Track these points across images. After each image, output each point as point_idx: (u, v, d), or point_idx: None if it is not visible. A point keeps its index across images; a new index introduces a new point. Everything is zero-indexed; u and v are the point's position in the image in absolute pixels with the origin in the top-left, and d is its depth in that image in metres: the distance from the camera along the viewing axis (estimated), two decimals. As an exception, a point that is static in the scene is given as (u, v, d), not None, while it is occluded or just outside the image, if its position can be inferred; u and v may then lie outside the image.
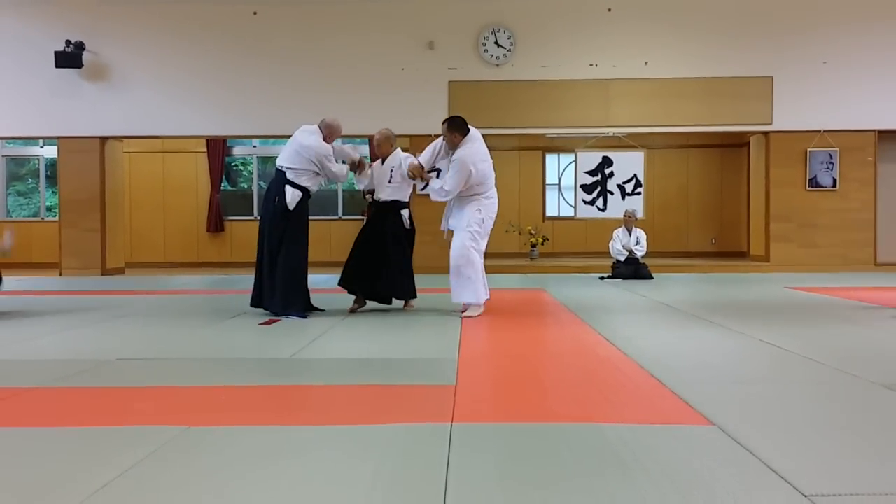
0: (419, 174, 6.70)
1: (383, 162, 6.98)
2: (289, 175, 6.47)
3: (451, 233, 6.79)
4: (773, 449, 2.63)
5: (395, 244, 6.88)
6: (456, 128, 6.53)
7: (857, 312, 6.56)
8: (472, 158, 6.43)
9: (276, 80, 12.93)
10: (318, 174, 6.58)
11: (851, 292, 8.53)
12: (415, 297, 7.06)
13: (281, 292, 6.42)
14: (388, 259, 6.80)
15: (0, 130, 13.55)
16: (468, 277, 6.44)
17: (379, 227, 6.89)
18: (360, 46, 12.95)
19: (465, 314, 6.46)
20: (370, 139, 15.00)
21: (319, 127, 6.58)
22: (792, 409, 3.31)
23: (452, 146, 6.53)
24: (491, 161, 6.69)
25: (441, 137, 6.68)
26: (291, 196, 6.40)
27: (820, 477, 2.36)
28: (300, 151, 6.48)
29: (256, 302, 6.67)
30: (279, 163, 6.58)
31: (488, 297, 6.71)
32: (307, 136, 6.51)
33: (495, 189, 6.74)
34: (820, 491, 2.23)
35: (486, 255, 6.78)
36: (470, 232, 6.50)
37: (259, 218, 6.53)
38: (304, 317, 6.40)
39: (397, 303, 7.12)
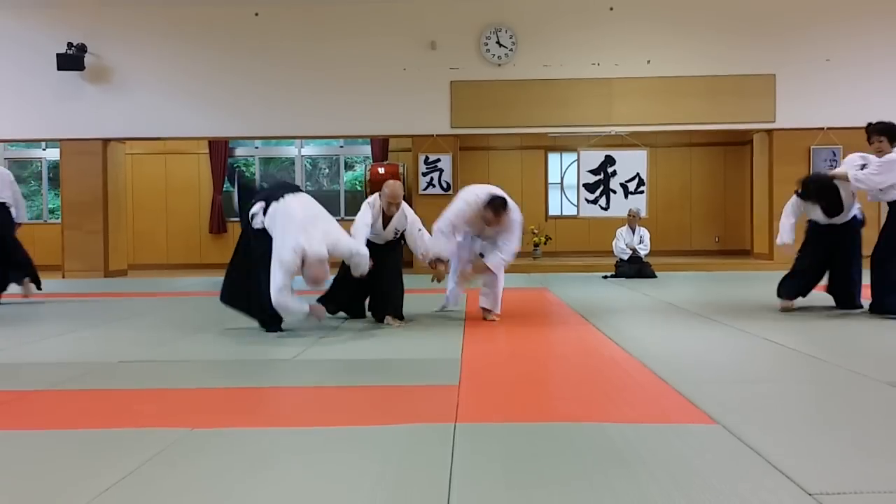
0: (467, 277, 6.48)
1: (385, 224, 6.19)
2: None
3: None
4: (778, 447, 2.62)
5: (395, 260, 6.39)
6: (507, 209, 6.16)
7: (861, 310, 6.54)
8: (518, 219, 6.30)
9: (278, 81, 12.93)
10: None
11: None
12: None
13: None
14: (390, 274, 6.25)
15: (2, 133, 13.58)
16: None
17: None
18: (362, 47, 12.95)
19: (491, 317, 6.28)
20: (372, 141, 15.09)
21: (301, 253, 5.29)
22: (796, 408, 3.30)
23: (499, 224, 6.16)
24: None
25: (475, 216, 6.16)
26: None
27: (824, 475, 2.36)
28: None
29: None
30: None
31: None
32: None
33: None
34: (824, 489, 2.22)
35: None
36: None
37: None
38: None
39: None
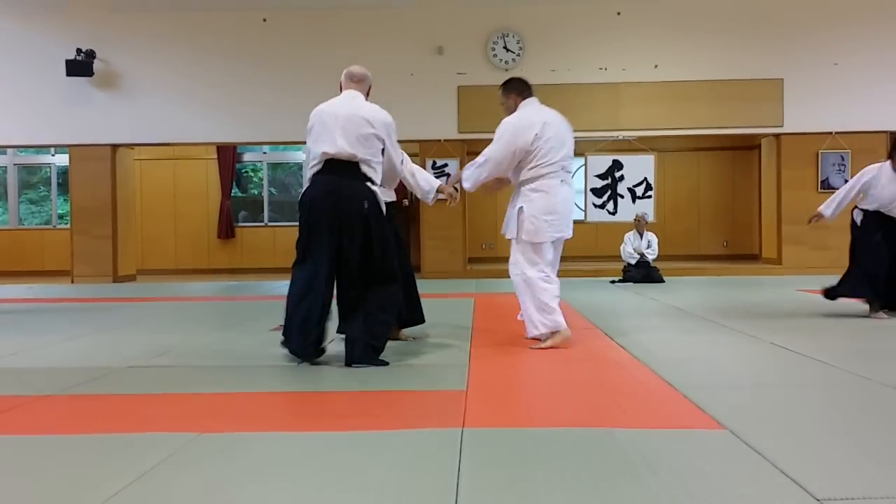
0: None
1: None
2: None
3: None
4: (786, 453, 2.62)
5: (405, 255, 5.69)
6: (511, 89, 5.35)
7: (870, 315, 6.52)
8: (521, 123, 5.13)
9: (286, 86, 12.96)
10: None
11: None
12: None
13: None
14: (407, 275, 5.47)
15: (12, 139, 13.65)
16: (536, 301, 5.05)
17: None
18: (369, 53, 12.94)
19: (539, 345, 5.07)
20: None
21: None
22: (804, 413, 3.29)
23: (510, 113, 5.29)
24: (555, 127, 5.28)
25: None
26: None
27: (832, 481, 2.35)
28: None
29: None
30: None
31: (558, 326, 5.07)
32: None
33: (557, 178, 5.12)
34: (832, 495, 2.21)
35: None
36: (515, 241, 5.15)
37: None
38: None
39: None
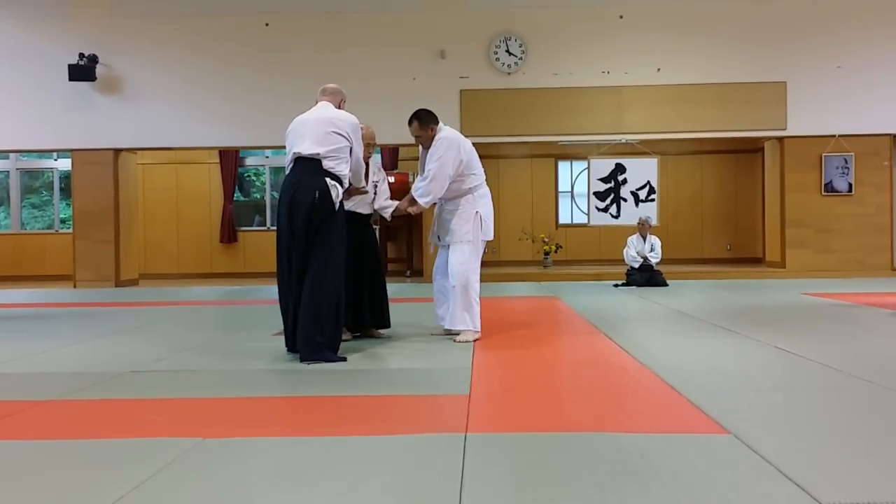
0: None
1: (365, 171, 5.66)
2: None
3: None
4: (790, 457, 2.60)
5: (376, 261, 6.01)
6: (430, 120, 5.65)
7: (874, 318, 6.51)
8: (456, 137, 5.64)
9: (288, 90, 12.93)
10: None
11: (868, 298, 8.46)
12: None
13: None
14: (374, 279, 5.88)
15: (14, 143, 13.66)
16: (471, 301, 5.55)
17: (357, 243, 5.72)
18: (372, 57, 12.99)
19: (458, 339, 5.54)
20: (381, 149, 15.09)
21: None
22: (809, 417, 3.28)
23: (428, 141, 5.64)
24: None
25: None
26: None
27: (837, 485, 2.34)
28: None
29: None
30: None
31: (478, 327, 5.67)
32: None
33: (485, 184, 5.83)
34: (837, 500, 2.20)
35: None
36: (470, 244, 5.61)
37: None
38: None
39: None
